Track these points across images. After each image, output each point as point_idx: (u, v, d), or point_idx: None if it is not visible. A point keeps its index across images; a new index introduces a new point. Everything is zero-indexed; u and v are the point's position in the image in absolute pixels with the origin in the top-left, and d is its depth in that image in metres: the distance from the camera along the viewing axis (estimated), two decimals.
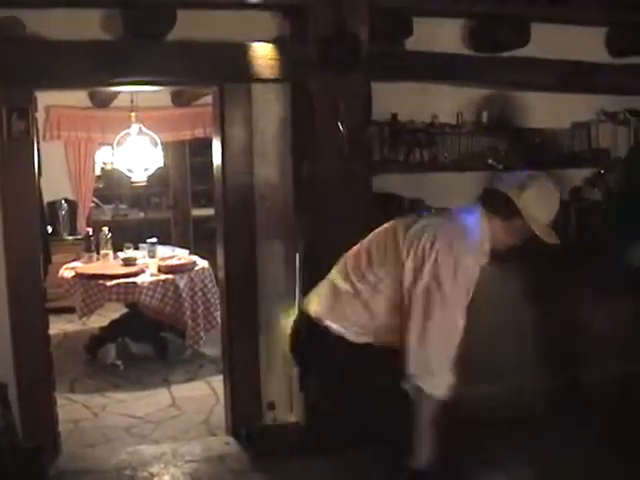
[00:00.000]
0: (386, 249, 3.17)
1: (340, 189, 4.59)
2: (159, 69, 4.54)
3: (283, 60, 4.61)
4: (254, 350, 5.01)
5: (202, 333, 6.89)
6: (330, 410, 3.10)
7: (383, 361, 3.11)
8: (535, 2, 4.97)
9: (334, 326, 3.20)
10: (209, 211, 8.63)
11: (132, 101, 8.32)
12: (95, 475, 4.60)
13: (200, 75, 4.70)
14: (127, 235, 8.87)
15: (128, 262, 7.15)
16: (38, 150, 4.72)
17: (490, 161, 5.20)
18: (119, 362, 7.01)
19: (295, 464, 4.53)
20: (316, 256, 4.42)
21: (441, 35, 5.09)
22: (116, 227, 9.19)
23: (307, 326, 3.36)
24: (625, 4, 5.08)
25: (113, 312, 7.71)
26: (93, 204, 10.60)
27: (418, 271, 2.99)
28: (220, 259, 5.12)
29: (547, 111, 5.45)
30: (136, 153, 8.05)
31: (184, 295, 6.77)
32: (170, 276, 6.81)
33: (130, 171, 8.16)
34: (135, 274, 6.86)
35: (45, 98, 8.22)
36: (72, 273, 7.00)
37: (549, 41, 5.15)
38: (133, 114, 8.21)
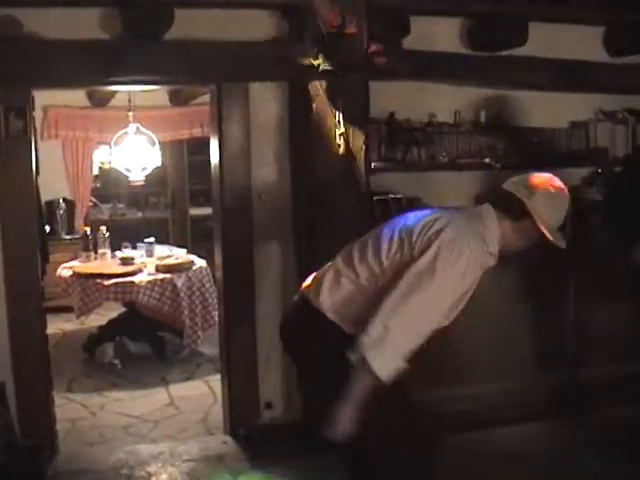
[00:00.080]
0: (392, 239, 3.13)
1: (338, 188, 4.58)
2: (157, 68, 4.54)
3: (281, 59, 4.61)
4: (252, 349, 5.01)
5: (200, 332, 6.89)
6: (325, 407, 3.05)
7: None
8: (533, 1, 4.97)
9: (329, 314, 3.18)
10: (207, 210, 8.64)
11: (130, 100, 8.30)
12: (93, 474, 4.60)
13: (198, 74, 4.70)
14: (125, 234, 8.87)
15: (126, 261, 7.15)
16: (36, 149, 4.72)
17: (488, 160, 5.20)
18: (117, 361, 7.01)
19: (293, 463, 4.54)
20: (314, 255, 4.42)
21: (439, 34, 5.09)
22: (114, 226, 9.21)
23: (303, 310, 3.32)
24: (623, 4, 5.08)
25: (111, 311, 7.70)
26: (91, 203, 10.59)
27: (417, 257, 2.97)
28: (218, 258, 5.13)
29: (545, 110, 5.46)
30: (134, 152, 8.04)
31: (182, 294, 6.77)
32: (168, 275, 6.81)
33: (128, 170, 8.15)
34: (133, 273, 6.85)
35: (43, 97, 8.21)
36: (70, 272, 7.00)
37: (547, 40, 5.16)
38: (131, 113, 8.19)
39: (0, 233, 4.52)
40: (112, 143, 8.15)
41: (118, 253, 7.50)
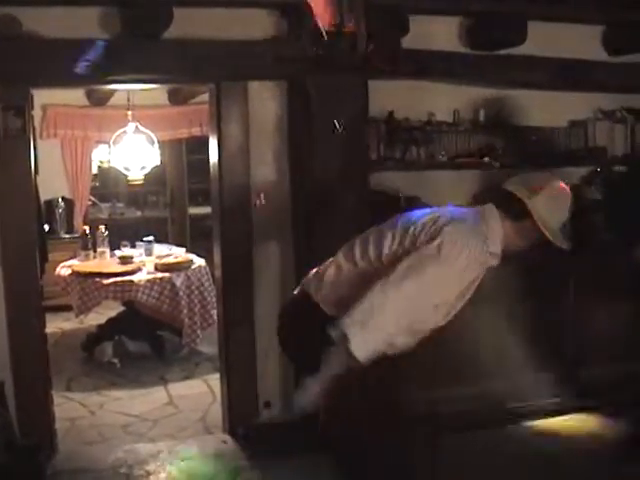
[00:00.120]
0: (394, 234, 3.11)
1: (337, 187, 4.58)
2: (156, 67, 4.54)
3: (280, 58, 4.60)
4: (251, 348, 5.01)
5: (199, 331, 6.89)
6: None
7: None
8: (532, 0, 4.96)
9: (330, 310, 3.15)
10: (206, 209, 8.63)
11: (129, 99, 8.30)
12: (92, 473, 4.60)
13: (197, 73, 4.70)
14: (124, 233, 8.87)
15: (125, 260, 7.14)
16: (35, 148, 4.73)
17: (487, 159, 5.20)
18: (116, 360, 7.00)
19: (292, 462, 4.54)
20: (313, 254, 4.42)
21: (438, 33, 5.09)
22: (113, 225, 9.21)
23: (303, 304, 3.31)
24: (622, 3, 5.08)
25: (110, 310, 7.70)
26: (90, 202, 10.59)
27: (416, 249, 2.97)
28: (217, 257, 5.13)
29: (544, 109, 5.46)
30: (133, 151, 8.03)
31: (181, 293, 6.77)
32: (167, 274, 6.81)
33: (127, 169, 8.14)
34: (132, 272, 6.85)
35: (42, 96, 8.20)
36: (69, 271, 7.00)
37: (546, 39, 5.15)
38: (130, 112, 8.19)
39: None
40: (111, 142, 8.15)
41: (117, 252, 7.50)
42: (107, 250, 7.54)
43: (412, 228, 3.07)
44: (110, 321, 7.51)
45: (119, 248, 7.64)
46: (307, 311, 3.27)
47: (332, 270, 3.25)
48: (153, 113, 9.33)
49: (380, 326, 2.85)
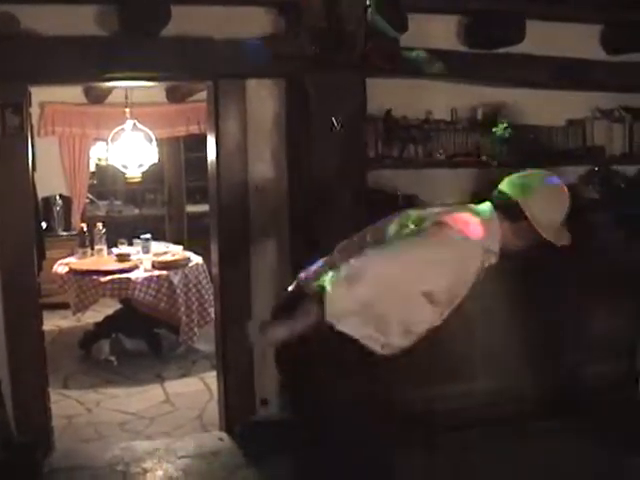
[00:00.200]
0: (391, 230, 3.11)
1: (335, 185, 4.58)
2: (154, 65, 4.53)
3: (278, 56, 4.60)
4: (248, 346, 5.00)
5: (196, 329, 6.90)
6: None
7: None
8: None
9: None
10: (204, 207, 8.62)
11: (126, 97, 8.30)
12: (88, 471, 4.60)
13: (195, 71, 4.70)
14: (121, 231, 8.85)
15: (122, 258, 7.15)
16: (32, 146, 4.72)
17: (484, 158, 5.20)
18: (113, 358, 7.01)
19: (288, 460, 4.53)
20: (311, 252, 4.42)
21: (436, 31, 5.09)
22: (110, 223, 9.18)
23: (298, 300, 3.28)
24: (621, 2, 5.08)
25: (107, 308, 7.71)
26: (87, 200, 10.59)
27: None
28: (214, 255, 5.13)
29: (542, 108, 5.45)
30: (131, 149, 8.04)
31: (178, 291, 6.77)
32: (164, 272, 6.81)
33: (125, 167, 8.14)
34: (129, 270, 6.86)
35: (39, 94, 8.20)
36: (66, 269, 7.01)
37: (544, 38, 5.15)
38: (127, 110, 8.19)
39: None
40: (109, 140, 8.15)
41: (114, 250, 7.50)
42: (104, 248, 7.56)
43: (410, 220, 3.06)
44: (107, 319, 7.51)
45: (116, 246, 7.65)
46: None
47: (327, 268, 3.23)
48: (151, 111, 9.32)
49: (360, 292, 2.80)
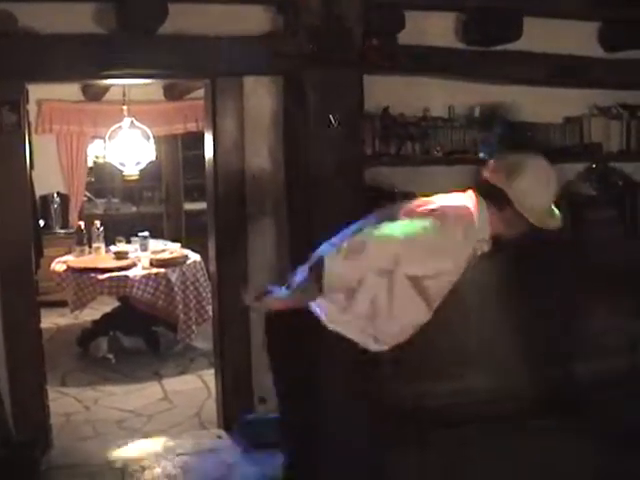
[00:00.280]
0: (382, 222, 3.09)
1: (332, 182, 4.58)
2: (151, 62, 4.53)
3: (275, 54, 4.60)
4: (246, 344, 5.01)
5: (194, 327, 6.90)
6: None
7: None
8: None
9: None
10: (201, 205, 8.62)
11: (124, 95, 8.30)
12: (86, 469, 4.59)
13: (192, 68, 4.69)
14: (119, 229, 8.86)
15: (120, 256, 7.15)
16: (30, 143, 4.72)
17: (482, 155, 5.20)
18: (111, 356, 7.01)
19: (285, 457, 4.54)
20: (309, 249, 4.42)
21: (433, 29, 5.09)
22: (108, 221, 9.19)
23: None
24: (618, 0, 5.08)
25: (105, 306, 7.71)
26: (85, 198, 10.59)
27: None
28: (212, 253, 5.13)
29: (539, 105, 5.45)
30: (128, 147, 8.03)
31: (176, 289, 6.77)
32: (162, 270, 6.81)
33: (122, 165, 8.14)
34: (127, 268, 6.86)
35: (37, 91, 8.19)
36: (64, 267, 7.00)
37: (542, 36, 5.15)
38: (125, 108, 8.19)
39: None
40: (106, 137, 8.14)
41: (112, 247, 7.51)
42: (102, 245, 7.56)
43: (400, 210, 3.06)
44: (105, 316, 7.51)
45: (114, 244, 7.66)
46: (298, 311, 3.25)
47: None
48: (149, 108, 9.33)
49: (359, 264, 2.82)
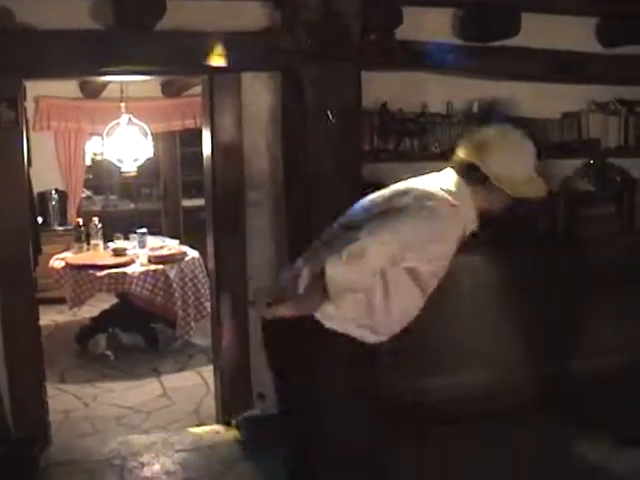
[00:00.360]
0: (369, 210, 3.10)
1: (330, 178, 4.57)
2: (149, 59, 4.52)
3: (273, 49, 4.60)
4: (244, 340, 5.01)
5: (192, 323, 6.90)
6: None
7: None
8: None
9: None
10: (199, 201, 8.61)
11: (122, 91, 8.28)
12: (86, 465, 4.60)
13: (190, 64, 4.69)
14: (117, 226, 8.88)
15: (118, 252, 7.15)
16: (28, 140, 4.72)
17: None
18: (109, 352, 7.02)
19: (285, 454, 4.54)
20: (307, 245, 4.42)
21: (431, 24, 5.08)
22: (106, 218, 9.19)
23: None
24: None
25: (103, 302, 7.70)
26: (83, 195, 10.58)
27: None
28: (210, 249, 5.13)
29: (537, 101, 5.45)
30: (126, 143, 8.02)
31: (174, 285, 6.77)
32: (160, 266, 6.81)
33: (120, 161, 8.13)
34: (125, 264, 6.86)
35: (34, 88, 8.20)
36: (62, 263, 7.01)
37: (540, 31, 5.15)
38: (123, 104, 8.18)
39: None
40: (104, 134, 8.13)
41: (110, 244, 7.52)
42: (100, 242, 7.56)
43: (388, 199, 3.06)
44: (104, 313, 7.52)
45: (113, 240, 7.66)
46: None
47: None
48: (146, 105, 9.32)
49: (361, 268, 2.81)
